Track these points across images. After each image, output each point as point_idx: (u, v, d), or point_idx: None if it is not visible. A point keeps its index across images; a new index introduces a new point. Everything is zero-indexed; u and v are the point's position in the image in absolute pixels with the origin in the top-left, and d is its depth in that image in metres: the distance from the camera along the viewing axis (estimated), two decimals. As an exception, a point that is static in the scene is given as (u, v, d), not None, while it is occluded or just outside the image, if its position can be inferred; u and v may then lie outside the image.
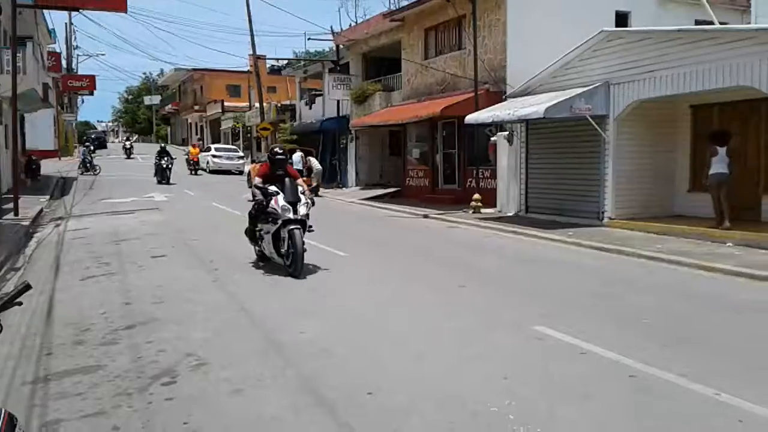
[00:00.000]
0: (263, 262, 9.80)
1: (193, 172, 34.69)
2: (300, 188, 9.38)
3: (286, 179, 9.29)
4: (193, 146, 39.93)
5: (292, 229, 8.89)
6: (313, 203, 9.47)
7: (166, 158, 28.31)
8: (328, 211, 19.67)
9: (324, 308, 7.20)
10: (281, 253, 9.03)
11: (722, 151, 11.67)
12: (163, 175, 28.03)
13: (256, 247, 9.95)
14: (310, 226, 9.34)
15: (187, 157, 36.37)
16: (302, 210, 9.12)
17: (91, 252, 11.26)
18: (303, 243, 8.89)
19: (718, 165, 11.62)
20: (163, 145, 32.03)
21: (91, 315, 7.04)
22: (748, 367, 5.11)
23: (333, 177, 28.22)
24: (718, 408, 4.31)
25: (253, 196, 9.71)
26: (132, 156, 44.71)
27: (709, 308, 7.18)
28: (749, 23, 16.89)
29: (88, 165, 32.06)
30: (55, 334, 6.36)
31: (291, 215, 8.96)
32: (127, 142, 49.03)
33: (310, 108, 32.51)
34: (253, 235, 9.91)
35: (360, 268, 9.79)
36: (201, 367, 5.27)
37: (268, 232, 9.32)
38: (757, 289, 8.00)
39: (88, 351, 5.79)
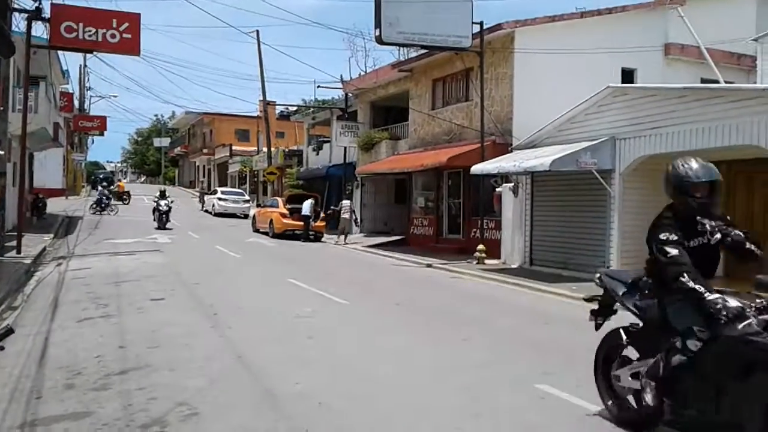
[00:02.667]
0: None
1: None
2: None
3: None
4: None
5: None
6: None
7: None
8: (332, 257, 19.59)
9: (322, 358, 7.04)
10: None
11: None
12: None
13: None
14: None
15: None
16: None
17: (90, 293, 11.14)
18: None
19: None
20: None
21: (85, 358, 6.90)
22: None
23: (338, 223, 28.23)
24: (729, 479, 4.11)
25: None
26: (168, 226, 25.71)
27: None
28: (755, 83, 17.02)
29: (104, 205, 31.64)
30: (47, 377, 6.22)
31: None
32: (162, 201, 25.96)
33: (317, 154, 32.76)
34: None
35: (361, 317, 9.64)
36: (192, 417, 5.10)
37: None
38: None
39: (78, 396, 5.64)
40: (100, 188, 34.33)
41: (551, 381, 6.16)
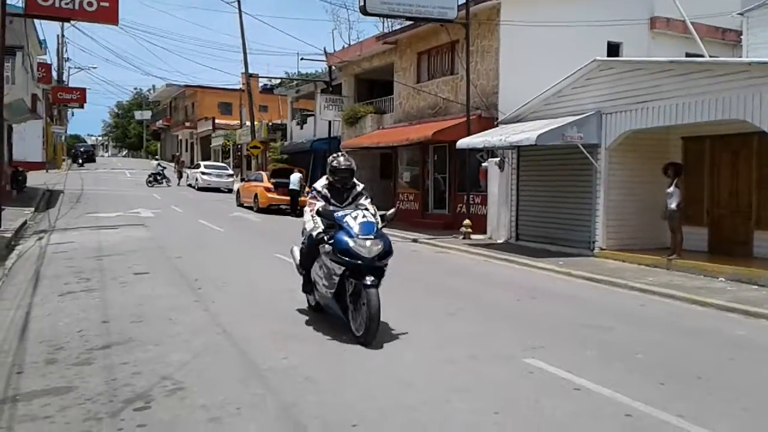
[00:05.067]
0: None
1: None
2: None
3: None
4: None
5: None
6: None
7: None
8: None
9: (307, 333, 6.99)
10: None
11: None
12: None
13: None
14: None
15: None
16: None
17: (72, 267, 10.98)
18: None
19: (679, 197, 11.65)
20: None
21: (67, 332, 6.79)
22: (746, 409, 4.95)
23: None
24: (717, 451, 4.12)
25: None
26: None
27: (703, 344, 7.03)
28: (740, 57, 16.99)
29: (159, 178, 35.23)
30: (28, 352, 6.11)
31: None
32: (354, 221, 7.59)
33: (302, 128, 32.46)
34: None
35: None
36: (177, 392, 5.03)
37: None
38: (751, 326, 7.87)
39: (60, 371, 5.55)
40: (154, 163, 39.12)
41: (539, 355, 6.15)
